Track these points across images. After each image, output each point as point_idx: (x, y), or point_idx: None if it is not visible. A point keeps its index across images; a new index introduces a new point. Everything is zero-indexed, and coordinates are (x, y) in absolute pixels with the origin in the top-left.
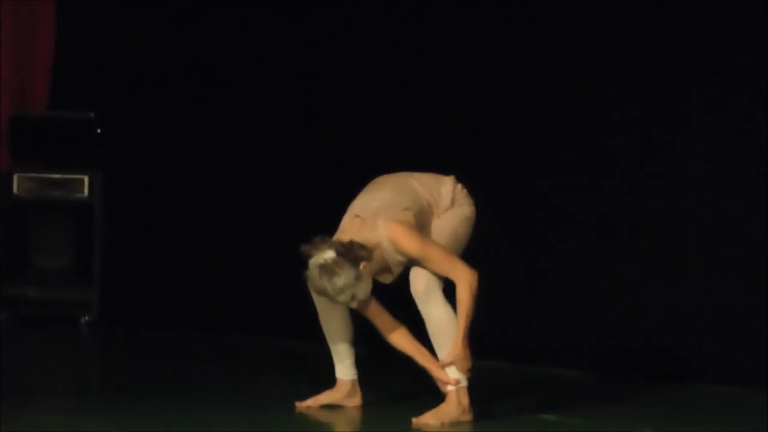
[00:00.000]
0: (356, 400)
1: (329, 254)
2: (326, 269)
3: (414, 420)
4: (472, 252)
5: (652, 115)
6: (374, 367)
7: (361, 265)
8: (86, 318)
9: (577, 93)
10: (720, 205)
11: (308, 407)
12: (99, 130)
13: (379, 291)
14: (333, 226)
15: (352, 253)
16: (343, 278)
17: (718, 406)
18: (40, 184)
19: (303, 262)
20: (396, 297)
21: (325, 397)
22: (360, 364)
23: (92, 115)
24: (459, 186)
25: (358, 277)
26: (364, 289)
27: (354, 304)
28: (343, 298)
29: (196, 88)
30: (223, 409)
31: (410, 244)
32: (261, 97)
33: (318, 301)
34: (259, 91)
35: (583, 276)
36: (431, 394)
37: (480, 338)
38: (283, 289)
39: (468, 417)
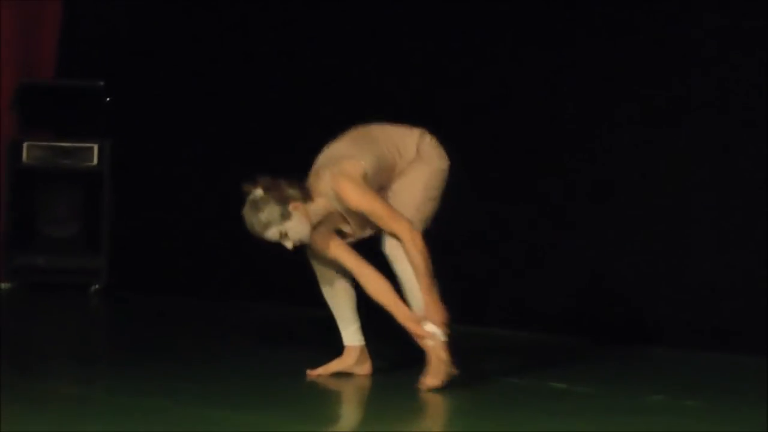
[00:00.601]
0: (366, 368)
1: (258, 191)
2: (253, 205)
3: (419, 386)
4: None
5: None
6: (382, 333)
7: (291, 205)
8: (95, 286)
9: (580, 65)
10: (725, 175)
11: (318, 375)
12: (108, 98)
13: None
14: None
15: (278, 191)
16: (265, 214)
17: (727, 374)
18: (49, 152)
19: None
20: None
21: (336, 365)
22: (368, 331)
23: (101, 82)
24: (428, 138)
25: (284, 215)
26: (295, 228)
27: (289, 244)
28: (270, 234)
29: (205, 55)
30: (233, 378)
31: (352, 196)
32: (272, 66)
33: (316, 268)
34: (269, 59)
35: (586, 243)
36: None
37: (482, 305)
38: (293, 256)
39: (453, 371)
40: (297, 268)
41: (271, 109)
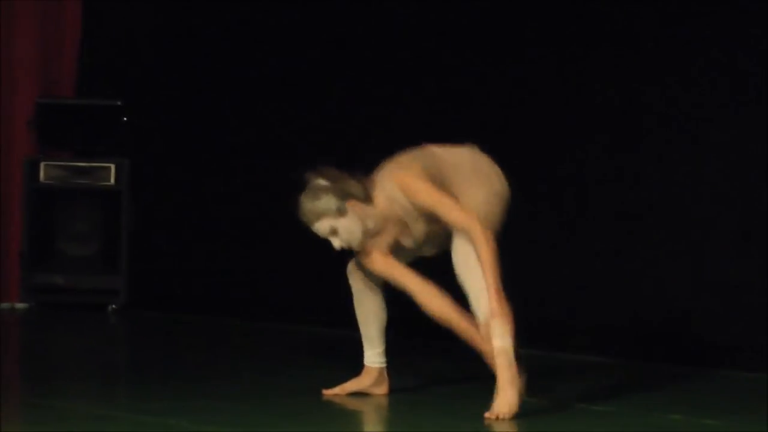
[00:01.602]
0: (383, 388)
1: (321, 180)
2: (311, 192)
3: (487, 415)
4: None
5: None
6: (401, 352)
7: (349, 202)
8: (113, 305)
9: (599, 72)
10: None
11: (335, 395)
12: (126, 118)
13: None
14: None
15: (342, 185)
16: (322, 204)
17: (748, 393)
18: (67, 172)
19: (330, 248)
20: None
21: (352, 385)
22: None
23: (119, 102)
24: (481, 155)
25: (340, 210)
26: (348, 227)
27: (337, 243)
28: (320, 226)
29: (222, 74)
30: (251, 397)
31: (417, 186)
32: (289, 84)
33: (354, 284)
34: (286, 78)
35: (605, 260)
36: (460, 380)
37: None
38: (312, 276)
39: (522, 388)
40: (320, 287)
41: (289, 127)
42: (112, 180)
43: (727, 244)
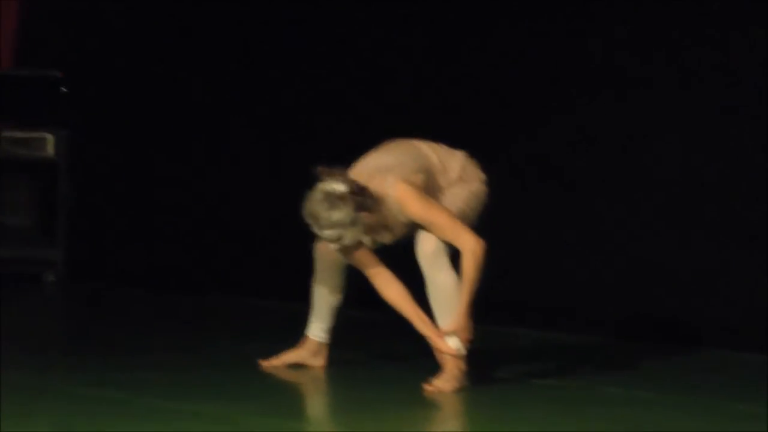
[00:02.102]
0: (320, 360)
1: (341, 187)
2: (330, 198)
3: (426, 386)
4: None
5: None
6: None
7: (363, 214)
8: (50, 277)
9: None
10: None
11: (273, 366)
12: (65, 89)
13: (382, 252)
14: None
15: (362, 198)
16: (341, 215)
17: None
18: (4, 143)
19: (276, 221)
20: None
21: (291, 356)
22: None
23: (58, 73)
24: (469, 161)
25: (353, 222)
26: (352, 235)
27: (335, 246)
28: (329, 233)
29: (165, 44)
30: (188, 368)
31: (416, 206)
32: (232, 54)
33: (319, 264)
34: (230, 48)
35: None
36: (405, 357)
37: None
38: (254, 247)
39: (465, 383)
40: (255, 259)
41: (230, 98)
42: (51, 151)
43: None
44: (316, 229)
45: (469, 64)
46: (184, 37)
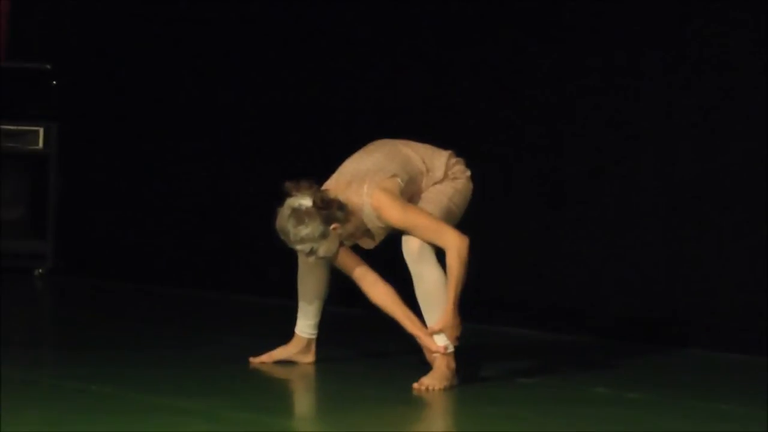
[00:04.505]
0: (309, 357)
1: (306, 201)
2: (296, 214)
3: (415, 386)
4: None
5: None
6: (340, 324)
7: (332, 226)
8: (40, 270)
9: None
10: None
11: (262, 363)
12: (55, 82)
13: (367, 253)
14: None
15: (329, 211)
16: (308, 230)
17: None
18: None
19: (265, 216)
20: (384, 260)
21: (279, 353)
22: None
23: (48, 66)
24: (454, 159)
25: (323, 235)
26: (326, 248)
27: (311, 259)
28: (301, 247)
29: (153, 38)
30: (176, 364)
31: (392, 213)
32: (223, 48)
33: (303, 261)
34: (221, 41)
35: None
36: (393, 354)
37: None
38: (242, 244)
39: (455, 381)
40: (244, 256)
41: (220, 94)
42: (41, 144)
43: (654, 218)
44: (288, 245)
45: (460, 67)
46: (174, 30)
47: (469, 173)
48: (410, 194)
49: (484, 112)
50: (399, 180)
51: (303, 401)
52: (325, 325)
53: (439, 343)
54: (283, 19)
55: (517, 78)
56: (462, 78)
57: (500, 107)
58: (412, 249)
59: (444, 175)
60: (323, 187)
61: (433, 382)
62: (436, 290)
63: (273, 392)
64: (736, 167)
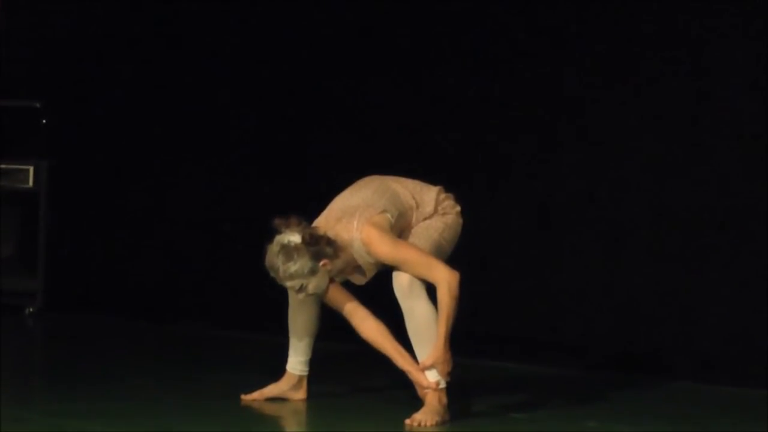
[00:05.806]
0: (301, 393)
1: (295, 237)
2: (285, 251)
3: (407, 422)
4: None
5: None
6: (330, 359)
7: (322, 262)
8: (31, 308)
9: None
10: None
11: (253, 400)
12: (44, 120)
13: (357, 288)
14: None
15: (317, 247)
16: (297, 266)
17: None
18: None
19: (256, 252)
20: (374, 296)
21: (271, 390)
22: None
23: (37, 104)
24: (444, 195)
25: (312, 271)
26: (316, 284)
27: (301, 295)
28: (290, 284)
29: (142, 77)
30: (168, 400)
31: (382, 249)
32: (212, 88)
33: (293, 297)
34: (208, 81)
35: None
36: (384, 389)
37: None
38: (234, 280)
39: (447, 417)
40: (238, 290)
41: (210, 127)
42: (31, 182)
43: (642, 250)
44: (278, 281)
45: (451, 90)
46: (162, 68)
47: (458, 208)
48: (400, 229)
49: (467, 140)
50: (389, 215)
51: None
52: (316, 361)
53: (430, 378)
54: (260, 50)
55: (500, 109)
56: (448, 102)
57: (485, 131)
58: (402, 284)
59: (434, 210)
60: (313, 224)
61: (424, 418)
62: (427, 325)
63: (264, 429)
64: (726, 200)
